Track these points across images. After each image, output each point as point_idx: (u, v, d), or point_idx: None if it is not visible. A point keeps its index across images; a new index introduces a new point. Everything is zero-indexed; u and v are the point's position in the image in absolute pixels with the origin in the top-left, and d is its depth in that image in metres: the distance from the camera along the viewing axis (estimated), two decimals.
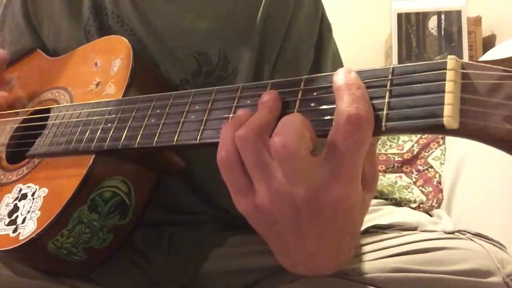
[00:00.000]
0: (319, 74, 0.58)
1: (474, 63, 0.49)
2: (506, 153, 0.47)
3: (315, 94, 0.57)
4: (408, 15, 2.20)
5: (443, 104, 0.48)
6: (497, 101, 0.46)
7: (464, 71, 0.49)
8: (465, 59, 2.09)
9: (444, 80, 0.49)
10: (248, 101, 0.62)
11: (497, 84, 0.46)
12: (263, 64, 0.94)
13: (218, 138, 0.62)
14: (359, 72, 0.55)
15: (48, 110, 0.90)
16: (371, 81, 0.54)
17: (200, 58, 0.93)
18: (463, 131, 0.48)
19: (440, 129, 0.48)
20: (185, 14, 0.94)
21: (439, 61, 0.50)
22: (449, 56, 0.49)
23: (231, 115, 0.63)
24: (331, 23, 1.00)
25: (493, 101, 0.46)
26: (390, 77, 0.53)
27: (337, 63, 1.00)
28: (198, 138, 0.64)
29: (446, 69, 0.49)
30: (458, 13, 2.16)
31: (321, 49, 0.97)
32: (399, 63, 2.14)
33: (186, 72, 0.93)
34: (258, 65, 0.93)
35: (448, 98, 0.48)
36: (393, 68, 0.53)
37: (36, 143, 0.86)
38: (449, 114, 0.47)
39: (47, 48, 1.04)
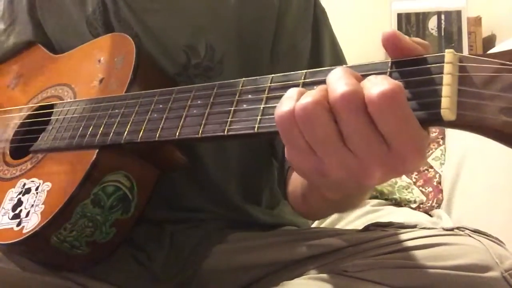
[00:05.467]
0: (319, 69, 0.59)
1: (471, 56, 0.50)
2: (502, 144, 0.47)
3: (315, 88, 0.57)
4: (408, 15, 2.20)
5: (440, 96, 0.49)
6: (493, 93, 0.47)
7: (462, 64, 0.50)
8: None
9: (442, 73, 0.50)
10: (250, 95, 0.63)
11: (493, 77, 0.47)
12: (256, 52, 0.96)
13: (220, 131, 0.63)
14: (358, 66, 0.56)
15: (52, 106, 0.91)
16: (370, 73, 0.54)
17: (189, 51, 0.95)
18: (460, 123, 0.48)
19: (438, 121, 0.49)
20: (171, 11, 0.97)
21: (437, 54, 0.51)
22: (446, 50, 0.50)
23: (232, 108, 0.64)
24: (327, 15, 1.02)
25: (489, 93, 0.47)
26: (388, 70, 0.54)
27: (337, 48, 1.01)
28: (200, 131, 0.65)
29: (444, 62, 0.50)
30: (458, 13, 2.16)
31: (318, 32, 0.98)
32: None
33: (178, 65, 0.95)
34: (248, 53, 0.96)
35: (445, 90, 0.49)
36: (392, 62, 0.54)
37: (40, 138, 0.87)
38: (446, 106, 0.48)
39: (51, 43, 1.06)
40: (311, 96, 0.52)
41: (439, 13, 2.18)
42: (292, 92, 0.54)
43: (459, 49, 2.14)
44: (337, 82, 0.52)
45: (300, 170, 0.58)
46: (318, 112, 0.51)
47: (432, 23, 2.19)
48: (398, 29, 2.18)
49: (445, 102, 0.48)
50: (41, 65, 1.03)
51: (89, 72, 0.93)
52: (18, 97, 1.02)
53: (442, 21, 2.18)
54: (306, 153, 0.54)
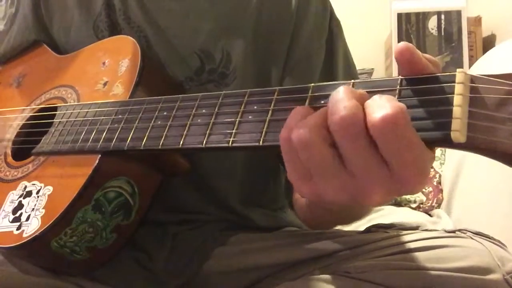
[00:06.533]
0: (326, 83, 0.59)
1: (483, 76, 0.49)
2: None
3: (322, 102, 0.57)
4: (408, 15, 2.20)
5: (451, 117, 0.48)
6: (505, 116, 0.46)
7: (473, 84, 0.49)
8: (465, 59, 2.10)
9: (453, 93, 0.49)
10: (255, 107, 0.63)
11: (505, 99, 0.46)
12: (271, 60, 0.95)
13: (224, 143, 0.63)
14: (367, 82, 0.55)
15: (55, 108, 0.90)
16: (378, 90, 0.53)
17: (203, 55, 0.94)
18: (470, 145, 0.48)
19: (447, 143, 0.48)
20: (188, 13, 0.96)
21: (448, 73, 0.50)
22: (458, 70, 0.49)
23: (237, 119, 0.63)
24: (342, 27, 1.02)
25: (501, 116, 0.46)
26: (398, 87, 0.53)
27: (349, 61, 1.02)
28: (204, 142, 0.64)
29: (455, 82, 0.49)
30: (458, 13, 2.16)
31: (333, 46, 0.98)
32: None
33: (190, 69, 0.94)
34: (263, 61, 0.95)
35: (456, 112, 0.48)
36: (401, 79, 0.53)
37: (42, 141, 0.86)
38: (456, 128, 0.47)
39: (56, 43, 1.05)
40: (308, 122, 0.52)
41: (439, 13, 2.18)
42: (295, 113, 0.54)
43: (459, 49, 2.14)
44: (337, 104, 0.51)
45: (300, 192, 0.58)
46: (315, 140, 0.51)
47: (432, 23, 2.19)
48: (398, 29, 2.18)
49: (455, 124, 0.47)
50: (45, 65, 1.02)
51: (93, 74, 0.92)
52: (21, 97, 1.01)
53: (442, 21, 2.18)
54: (305, 177, 0.54)
